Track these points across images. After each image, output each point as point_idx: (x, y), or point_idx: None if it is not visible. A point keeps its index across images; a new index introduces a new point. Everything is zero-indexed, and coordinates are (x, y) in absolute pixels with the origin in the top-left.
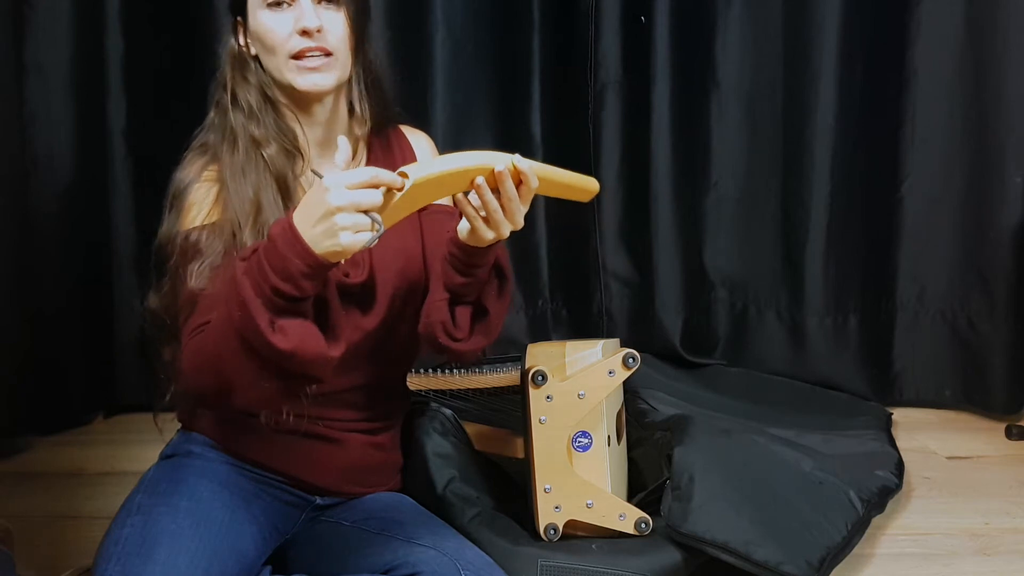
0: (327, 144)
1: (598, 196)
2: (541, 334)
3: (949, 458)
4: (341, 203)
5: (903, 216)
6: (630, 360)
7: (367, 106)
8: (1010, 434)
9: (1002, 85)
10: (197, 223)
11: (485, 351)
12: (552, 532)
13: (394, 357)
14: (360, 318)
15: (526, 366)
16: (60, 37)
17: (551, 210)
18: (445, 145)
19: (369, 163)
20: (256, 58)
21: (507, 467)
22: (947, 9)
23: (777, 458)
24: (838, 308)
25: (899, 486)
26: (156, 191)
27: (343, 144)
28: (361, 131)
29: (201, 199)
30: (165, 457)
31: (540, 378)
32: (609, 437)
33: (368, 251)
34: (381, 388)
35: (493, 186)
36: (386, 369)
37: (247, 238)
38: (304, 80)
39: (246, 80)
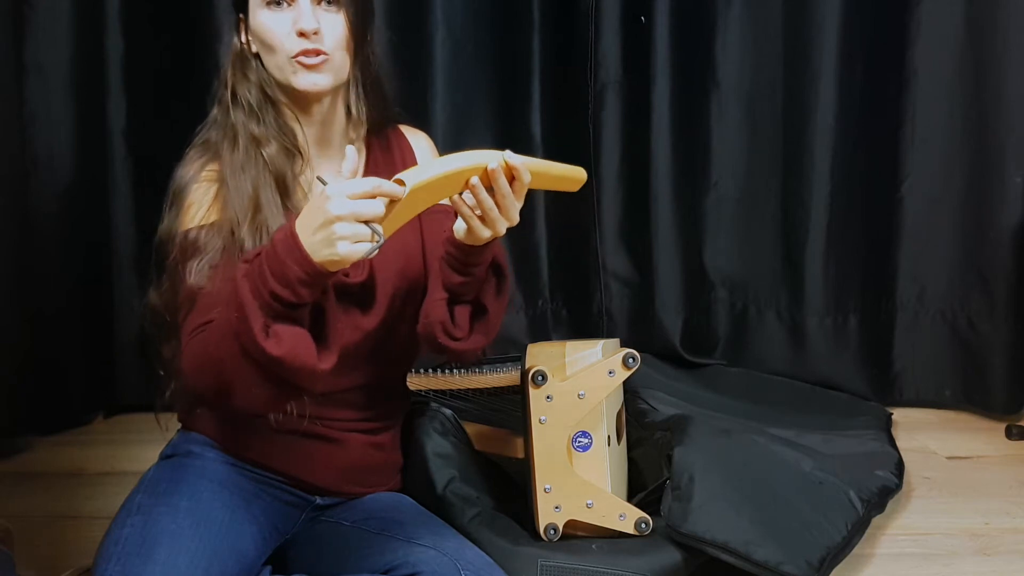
0: (325, 144)
1: (598, 196)
2: (541, 334)
3: (949, 458)
4: (341, 212)
5: (903, 216)
6: (630, 360)
7: (364, 108)
8: (1010, 434)
9: (1002, 85)
10: (196, 222)
11: (485, 351)
12: (552, 532)
13: (394, 357)
14: (360, 318)
15: (526, 366)
16: (60, 37)
17: (551, 210)
18: (445, 145)
19: (368, 164)
20: (257, 56)
21: (507, 467)
22: (947, 9)
23: (777, 458)
24: (838, 308)
25: (899, 486)
26: (156, 191)
27: (351, 153)
28: (358, 132)
29: (200, 198)
30: (165, 457)
31: (540, 378)
32: (609, 437)
33: None
34: (381, 388)
35: (487, 184)
36: (386, 369)
37: (245, 236)
38: (301, 80)
39: (247, 78)
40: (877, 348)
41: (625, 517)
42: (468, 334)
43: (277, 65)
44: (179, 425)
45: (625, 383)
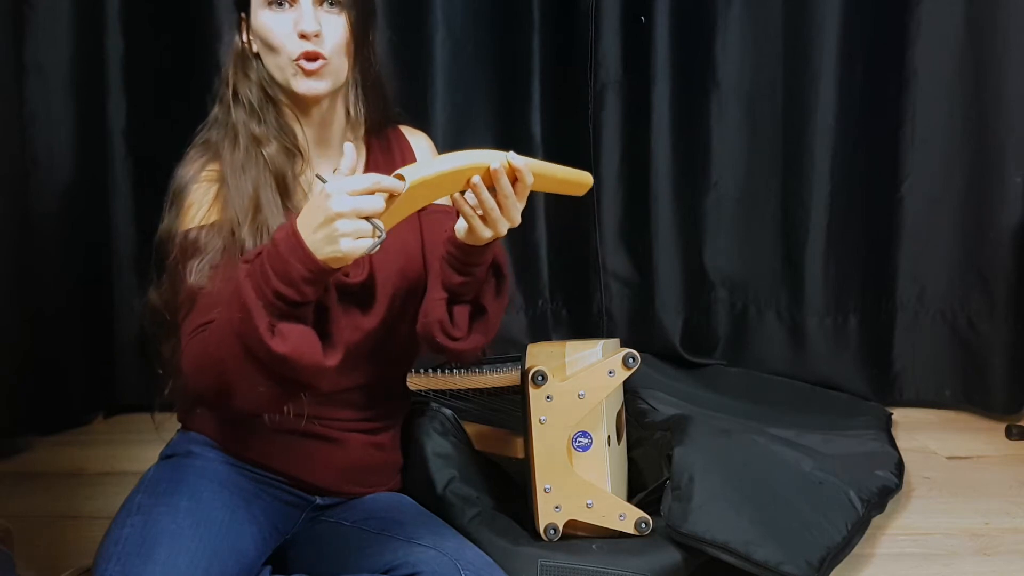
0: (325, 144)
1: (598, 196)
2: (541, 334)
3: (949, 458)
4: (342, 209)
5: (903, 216)
6: (630, 360)
7: (364, 109)
8: (1010, 434)
9: (1002, 85)
10: (196, 222)
11: (484, 351)
12: (552, 532)
13: (394, 357)
14: (360, 318)
15: (526, 366)
16: (60, 37)
17: (551, 210)
18: (445, 145)
19: (368, 164)
20: (257, 56)
21: (507, 467)
22: (947, 9)
23: (777, 458)
24: (838, 308)
25: (899, 486)
26: (156, 191)
27: (349, 151)
28: (357, 133)
29: (201, 198)
30: (165, 457)
31: (540, 378)
32: (609, 437)
33: None
34: (381, 388)
35: (489, 184)
36: (386, 369)
37: (246, 236)
38: (300, 84)
39: (248, 77)
40: (877, 348)
41: (625, 517)
42: (467, 334)
43: (278, 66)
44: (177, 425)
45: (625, 383)
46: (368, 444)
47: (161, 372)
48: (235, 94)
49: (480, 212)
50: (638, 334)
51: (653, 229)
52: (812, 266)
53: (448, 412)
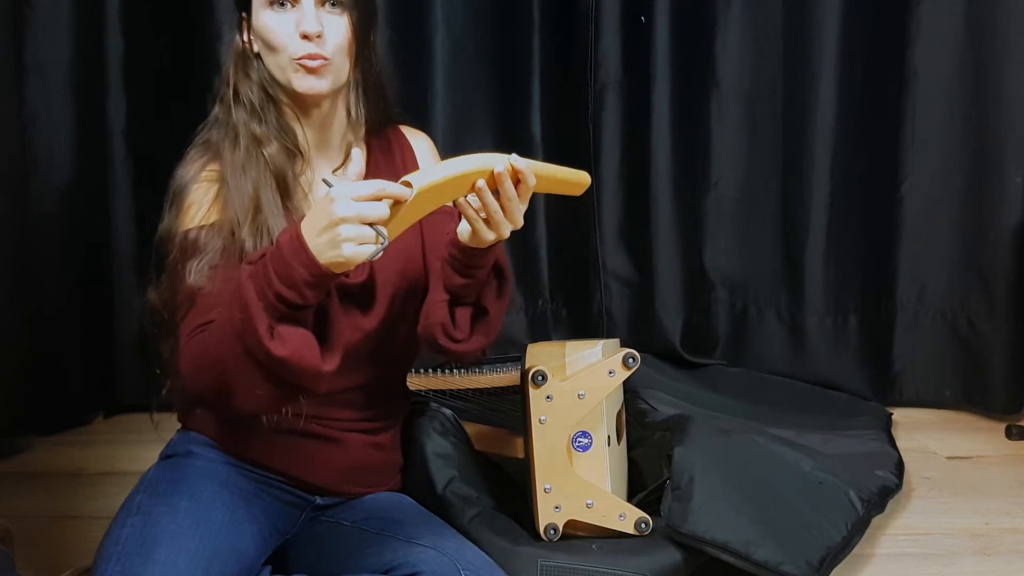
0: (325, 145)
1: (598, 196)
2: (541, 334)
3: (949, 458)
4: (346, 214)
5: (903, 216)
6: (630, 360)
7: (365, 109)
8: (1010, 434)
9: (1002, 85)
10: (196, 222)
11: (485, 351)
12: (552, 532)
13: (394, 357)
14: (360, 318)
15: (526, 366)
16: (60, 37)
17: (551, 210)
18: (445, 145)
19: (369, 164)
20: (258, 55)
21: (507, 467)
22: (947, 9)
23: (777, 458)
24: (838, 308)
25: (899, 486)
26: (156, 191)
27: (356, 157)
28: (358, 133)
29: (201, 198)
30: (165, 457)
31: (540, 378)
32: (609, 437)
33: None
34: (381, 388)
35: (493, 188)
36: (386, 369)
37: (246, 236)
38: (301, 83)
39: (248, 77)
40: (877, 348)
41: (625, 517)
42: (469, 336)
43: (278, 66)
44: (177, 425)
45: (625, 383)
46: (368, 444)
47: (160, 372)
48: (236, 94)
49: (483, 215)
50: (638, 334)
51: (653, 229)
52: (812, 266)
53: (448, 412)
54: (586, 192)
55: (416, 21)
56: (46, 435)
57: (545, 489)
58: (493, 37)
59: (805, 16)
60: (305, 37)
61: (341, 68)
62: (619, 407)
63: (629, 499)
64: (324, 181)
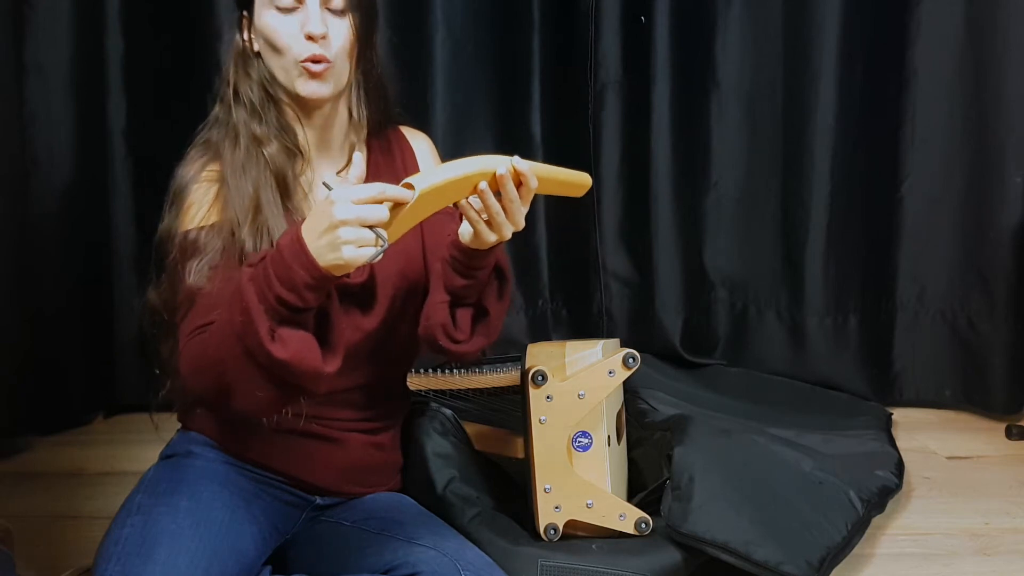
0: (325, 145)
1: (598, 196)
2: (541, 334)
3: (949, 458)
4: (346, 217)
5: (903, 216)
6: (630, 360)
7: (365, 112)
8: (1010, 434)
9: (1002, 85)
10: (196, 223)
11: (485, 351)
12: (552, 532)
13: (394, 357)
14: (360, 318)
15: (526, 366)
16: (60, 37)
17: (551, 210)
18: (445, 145)
19: (369, 165)
20: (259, 55)
21: (507, 467)
22: (947, 9)
23: (777, 458)
24: (838, 308)
25: (899, 486)
26: (156, 191)
27: (358, 160)
28: (359, 134)
29: (201, 198)
30: (165, 457)
31: (540, 378)
32: (609, 437)
33: None
34: (381, 388)
35: (495, 189)
36: (386, 369)
37: (246, 236)
38: (304, 87)
39: (249, 76)
40: (877, 348)
41: (625, 517)
42: (469, 336)
43: (282, 67)
44: (177, 425)
45: (625, 383)
46: (368, 444)
47: (159, 372)
48: (236, 93)
49: (485, 217)
50: (638, 334)
51: (653, 229)
52: (812, 266)
53: (448, 412)
54: (586, 192)
55: (416, 21)
56: (46, 435)
57: (545, 489)
58: (493, 37)
59: (805, 16)
60: (310, 38)
61: (343, 71)
62: (619, 407)
63: (629, 499)
64: (324, 184)
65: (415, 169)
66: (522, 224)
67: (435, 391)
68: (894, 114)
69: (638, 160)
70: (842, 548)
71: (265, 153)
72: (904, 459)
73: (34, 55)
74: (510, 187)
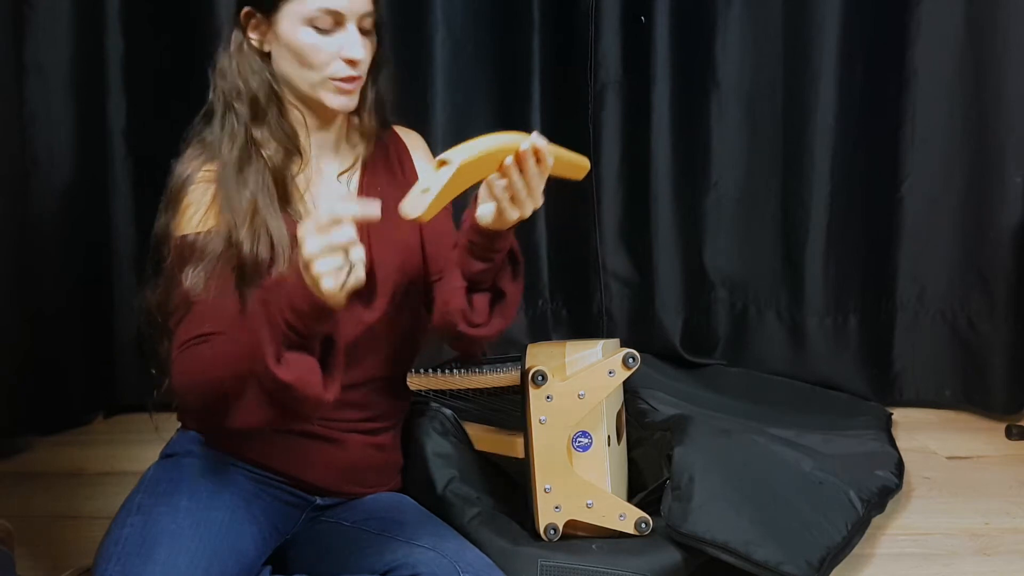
0: (327, 146)
1: (598, 196)
2: (541, 334)
3: (949, 458)
4: (313, 251)
5: (903, 216)
6: (630, 360)
7: (369, 116)
8: (1010, 434)
9: (1002, 85)
10: (193, 226)
11: (484, 351)
12: (552, 532)
13: (395, 351)
14: (362, 311)
15: (526, 366)
16: (60, 37)
17: (551, 210)
18: (445, 145)
19: (366, 163)
20: (267, 55)
21: (507, 467)
22: (947, 9)
23: (777, 458)
24: (838, 308)
25: (899, 486)
26: (156, 191)
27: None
28: (358, 134)
29: (198, 199)
30: (165, 456)
31: (540, 378)
32: (609, 437)
33: (368, 246)
34: (382, 386)
35: (518, 166)
36: (387, 365)
37: (243, 239)
38: (335, 101)
39: (253, 75)
40: (877, 348)
41: (625, 517)
42: (488, 320)
43: (308, 81)
44: (177, 425)
45: (625, 383)
46: (368, 444)
47: (157, 371)
48: (237, 93)
49: (509, 194)
50: (638, 334)
51: (653, 229)
52: (812, 266)
53: (448, 412)
54: (586, 192)
55: (416, 21)
56: (46, 435)
57: (545, 489)
58: (493, 37)
59: (805, 16)
60: (350, 63)
61: (363, 82)
62: (619, 407)
63: (629, 499)
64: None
65: (411, 167)
66: (541, 201)
67: (435, 391)
68: (894, 114)
69: (638, 160)
70: (842, 548)
71: (263, 154)
72: (904, 459)
73: (34, 55)
74: (532, 162)
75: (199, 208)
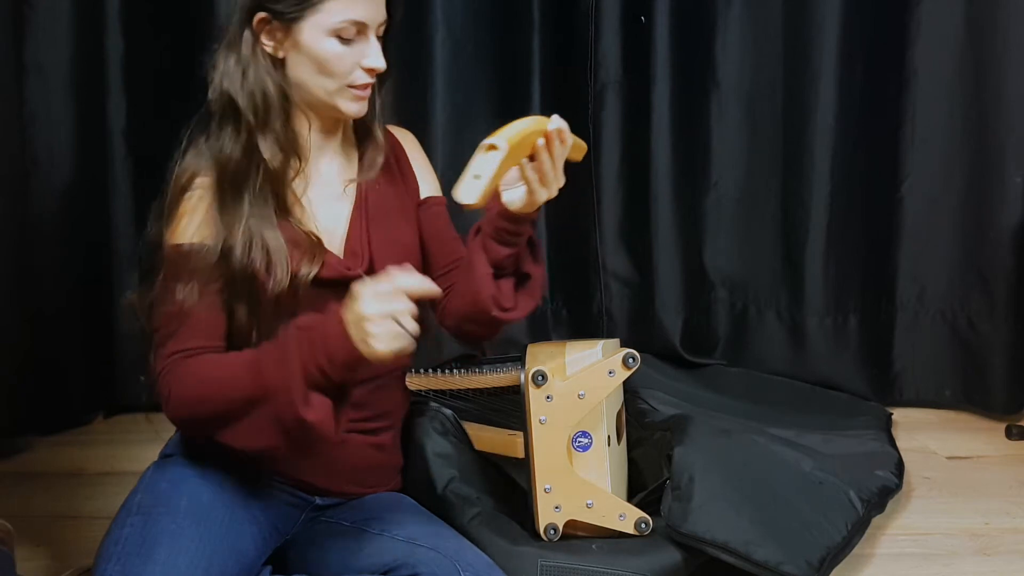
0: (328, 146)
1: (598, 196)
2: (541, 334)
3: (949, 458)
4: (371, 312)
5: (903, 216)
6: (630, 360)
7: (371, 118)
8: (1010, 434)
9: (1002, 85)
10: (189, 236)
11: (484, 351)
12: (552, 532)
13: None
14: None
15: (526, 366)
16: (60, 37)
17: (551, 210)
18: (445, 145)
19: (362, 161)
20: (280, 60)
21: (507, 467)
22: (947, 9)
23: (777, 458)
24: (838, 308)
25: (899, 486)
26: (156, 191)
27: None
28: (359, 138)
29: (193, 208)
30: (164, 456)
31: (540, 378)
32: (609, 437)
33: (368, 244)
34: (381, 386)
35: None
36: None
37: (237, 245)
38: (352, 107)
39: (267, 82)
40: (877, 348)
41: (625, 517)
42: (515, 303)
43: (325, 88)
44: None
45: (625, 383)
46: (368, 444)
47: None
48: (250, 98)
49: (538, 175)
50: (638, 334)
51: (653, 229)
52: (812, 266)
53: (448, 412)
54: (586, 192)
55: (416, 21)
56: (46, 435)
57: (545, 489)
58: (493, 37)
59: (805, 16)
60: (371, 71)
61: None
62: (619, 407)
63: (629, 499)
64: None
65: (408, 166)
66: (563, 180)
67: (435, 391)
68: (894, 114)
69: (638, 160)
70: (842, 548)
71: (264, 159)
72: (904, 459)
73: (34, 55)
74: (558, 143)
75: (194, 217)
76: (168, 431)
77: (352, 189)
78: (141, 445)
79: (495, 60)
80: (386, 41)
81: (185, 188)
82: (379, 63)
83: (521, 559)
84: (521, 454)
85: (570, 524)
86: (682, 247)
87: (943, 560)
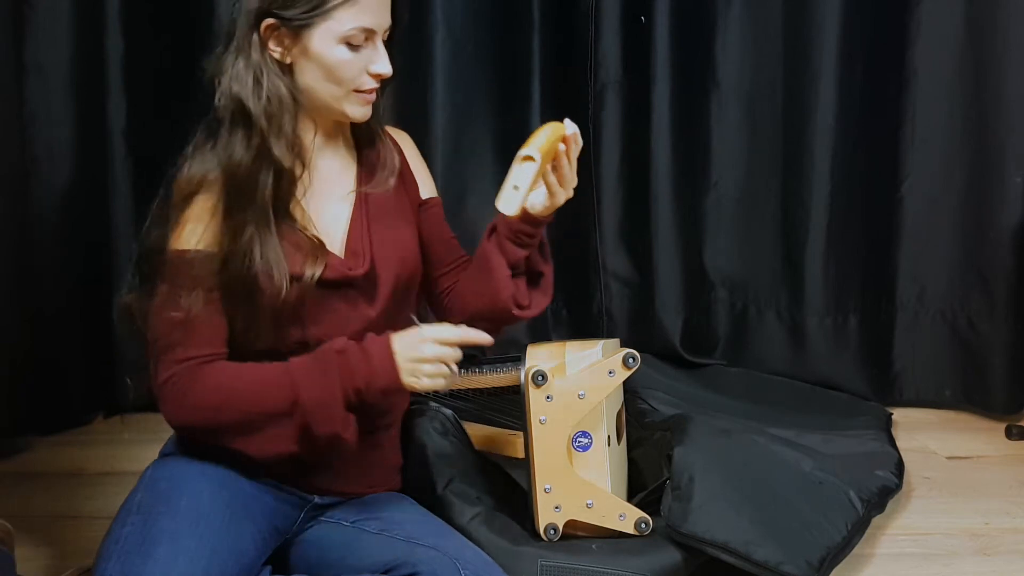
0: (330, 146)
1: (598, 196)
2: (541, 334)
3: (949, 458)
4: (430, 355)
5: (903, 216)
6: (630, 360)
7: (373, 120)
8: (1010, 434)
9: (1002, 85)
10: (192, 242)
11: (484, 351)
12: (552, 532)
13: None
14: (365, 307)
15: (526, 366)
16: (60, 37)
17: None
18: (445, 145)
19: (361, 160)
20: (288, 66)
21: (507, 467)
22: (947, 9)
23: (777, 458)
24: (838, 308)
25: (899, 486)
26: (156, 191)
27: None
28: (355, 134)
29: (197, 215)
30: (165, 456)
31: (540, 378)
32: (609, 437)
33: (369, 244)
34: None
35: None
36: None
37: (239, 252)
38: (359, 112)
39: (278, 88)
40: (877, 348)
41: (625, 517)
42: (530, 300)
43: (333, 94)
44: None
45: (625, 383)
46: (368, 444)
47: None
48: (266, 105)
49: (558, 178)
50: (638, 334)
51: (653, 229)
52: (812, 266)
53: (448, 412)
54: (586, 192)
55: (416, 21)
56: (46, 435)
57: (545, 489)
58: (493, 37)
59: (805, 16)
60: (378, 77)
61: None
62: (619, 407)
63: (629, 499)
64: (413, 318)
65: (406, 166)
66: (576, 180)
67: (435, 391)
68: (894, 114)
69: (638, 160)
70: (842, 548)
71: (272, 165)
72: (904, 459)
73: (34, 55)
74: (574, 146)
75: (198, 224)
76: (168, 431)
77: (352, 190)
78: (141, 445)
79: (495, 60)
80: (389, 45)
81: (192, 194)
82: (387, 69)
83: (521, 559)
84: (521, 454)
85: (570, 524)
86: (682, 247)
87: (943, 560)
